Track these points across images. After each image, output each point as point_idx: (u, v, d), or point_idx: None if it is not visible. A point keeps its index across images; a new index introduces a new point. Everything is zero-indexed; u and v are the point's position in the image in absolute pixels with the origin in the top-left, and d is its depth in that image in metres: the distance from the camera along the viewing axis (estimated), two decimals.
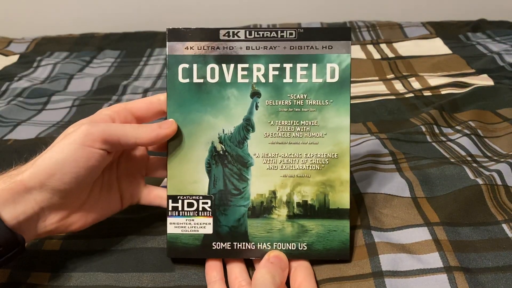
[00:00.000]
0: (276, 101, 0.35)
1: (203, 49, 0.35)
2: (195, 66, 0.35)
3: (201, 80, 0.35)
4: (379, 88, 0.75)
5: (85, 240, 0.41)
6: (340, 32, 0.35)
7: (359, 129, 0.60)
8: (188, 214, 0.35)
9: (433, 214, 0.41)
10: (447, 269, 0.34)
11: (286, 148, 0.35)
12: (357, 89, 0.75)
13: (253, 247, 0.35)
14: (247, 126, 0.35)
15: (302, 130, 0.35)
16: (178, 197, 0.35)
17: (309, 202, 0.36)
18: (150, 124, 0.36)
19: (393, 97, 0.71)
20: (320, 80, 0.35)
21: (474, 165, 0.49)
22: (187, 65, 0.35)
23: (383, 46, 0.96)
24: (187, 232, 0.35)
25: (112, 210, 0.39)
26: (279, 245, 0.35)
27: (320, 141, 0.35)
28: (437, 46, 0.94)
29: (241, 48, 0.35)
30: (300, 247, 0.36)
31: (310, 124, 0.35)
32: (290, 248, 0.36)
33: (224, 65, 0.35)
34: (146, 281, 0.36)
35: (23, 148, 0.58)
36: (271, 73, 0.35)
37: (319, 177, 0.35)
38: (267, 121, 0.35)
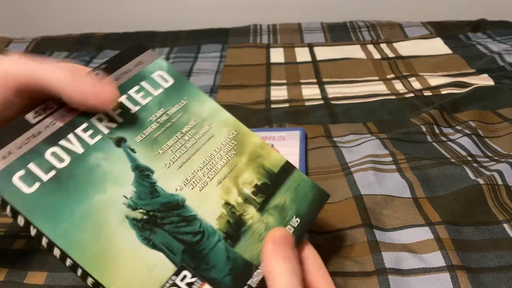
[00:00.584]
0: (143, 132, 0.31)
1: (24, 145, 0.27)
2: (31, 165, 0.26)
3: (53, 172, 0.27)
4: (379, 88, 0.75)
5: None
6: (135, 49, 0.34)
7: (359, 129, 0.60)
8: None
9: (434, 214, 0.40)
10: (449, 268, 0.34)
11: (196, 160, 0.31)
12: (357, 89, 0.75)
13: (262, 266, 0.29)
14: (143, 173, 0.29)
15: (190, 136, 0.32)
16: None
17: (259, 183, 0.32)
18: (93, 80, 0.29)
19: (393, 97, 0.71)
20: (161, 90, 0.33)
21: (475, 165, 0.49)
22: (22, 172, 0.26)
23: (383, 46, 0.96)
24: None
25: None
26: None
27: (212, 132, 0.33)
28: (437, 46, 0.94)
29: (63, 115, 0.29)
30: (295, 224, 0.32)
31: (191, 126, 0.33)
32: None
33: (62, 142, 0.28)
34: None
35: None
36: (114, 113, 0.31)
37: (243, 157, 0.33)
38: (155, 154, 0.30)
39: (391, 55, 0.90)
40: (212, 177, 0.31)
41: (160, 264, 0.26)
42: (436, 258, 0.35)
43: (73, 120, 0.29)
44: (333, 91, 0.75)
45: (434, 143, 0.54)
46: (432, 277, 0.34)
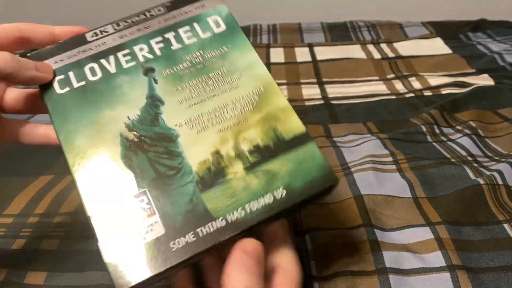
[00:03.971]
0: (174, 67, 0.33)
1: (74, 56, 0.33)
2: (71, 73, 0.33)
3: (83, 83, 0.32)
4: (380, 88, 0.75)
5: (83, 240, 0.41)
6: None
7: (359, 129, 0.60)
8: None
9: (434, 214, 0.40)
10: (449, 268, 0.34)
11: (208, 105, 0.32)
12: (357, 89, 0.75)
13: (223, 223, 0.28)
14: (154, 102, 0.32)
15: (214, 81, 0.33)
16: None
17: (261, 144, 0.31)
18: (26, 60, 0.31)
19: (394, 97, 0.71)
20: (209, 34, 0.34)
21: (475, 165, 0.49)
22: (62, 76, 0.33)
23: (383, 46, 0.96)
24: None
25: None
26: (253, 205, 0.29)
27: (239, 83, 0.33)
28: (437, 46, 0.94)
29: (114, 39, 0.34)
30: (278, 195, 0.29)
31: (220, 73, 0.33)
32: (267, 202, 0.29)
33: (102, 60, 0.33)
34: None
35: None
36: (156, 47, 0.34)
37: (257, 115, 0.32)
38: (174, 89, 0.32)
39: (391, 55, 0.90)
40: (215, 124, 0.31)
41: (126, 183, 0.29)
42: (436, 258, 0.35)
43: (119, 45, 0.34)
44: (333, 91, 0.75)
45: (434, 143, 0.54)
46: (432, 277, 0.34)
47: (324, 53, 0.93)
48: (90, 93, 0.32)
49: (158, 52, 0.34)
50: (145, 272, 0.26)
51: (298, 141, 0.31)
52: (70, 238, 0.41)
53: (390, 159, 0.50)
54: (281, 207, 0.29)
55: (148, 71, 0.33)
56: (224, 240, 0.28)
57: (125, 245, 0.27)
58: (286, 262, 0.29)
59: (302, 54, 0.93)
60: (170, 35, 0.34)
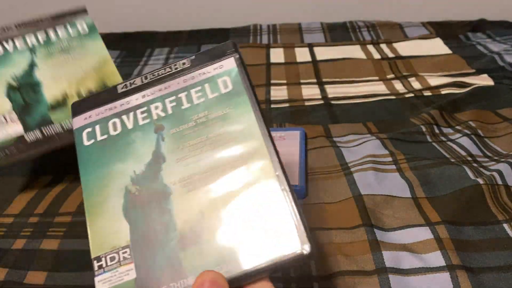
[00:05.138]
0: (180, 126, 0.35)
1: (101, 114, 0.37)
2: (97, 127, 0.37)
3: (105, 136, 0.36)
4: (379, 88, 0.75)
5: (82, 239, 0.41)
6: (225, 48, 0.38)
7: (359, 129, 0.60)
8: (112, 268, 0.32)
9: (434, 214, 0.40)
10: (449, 267, 0.34)
11: (200, 165, 0.33)
12: (357, 89, 0.75)
13: (192, 279, 0.30)
14: (158, 159, 0.35)
15: (211, 142, 0.34)
16: (101, 256, 0.33)
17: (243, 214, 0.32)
18: None
19: (393, 97, 0.71)
20: (217, 94, 0.36)
21: (475, 165, 0.49)
22: (89, 129, 0.37)
23: (383, 46, 0.96)
24: (114, 285, 0.32)
25: None
26: (221, 267, 0.30)
27: (233, 146, 0.34)
28: (437, 46, 0.94)
29: (137, 99, 0.37)
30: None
31: (218, 134, 0.34)
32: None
33: (124, 116, 0.37)
34: None
35: None
36: (169, 105, 0.37)
37: (247, 177, 0.33)
38: (175, 147, 0.35)
39: (391, 55, 0.90)
40: (205, 185, 0.33)
41: (122, 233, 0.32)
42: (436, 258, 0.35)
43: (140, 104, 0.37)
44: (333, 91, 0.75)
45: (434, 143, 0.54)
46: (432, 276, 0.34)
47: (324, 53, 0.93)
48: (109, 146, 0.36)
49: (170, 111, 0.36)
50: None
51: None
52: (70, 238, 0.41)
53: (390, 159, 0.50)
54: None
55: (158, 129, 0.35)
56: None
57: (110, 282, 0.32)
58: None
59: (302, 54, 0.93)
60: (182, 95, 0.37)
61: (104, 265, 0.32)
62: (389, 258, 0.36)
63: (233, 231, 0.31)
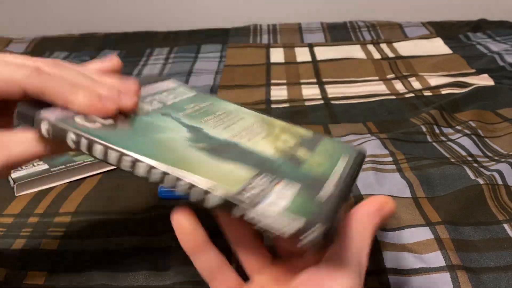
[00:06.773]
0: (181, 113, 0.33)
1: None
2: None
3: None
4: (379, 88, 0.75)
5: (82, 239, 0.41)
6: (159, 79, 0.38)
7: (359, 129, 0.60)
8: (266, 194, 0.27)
9: (434, 214, 0.40)
10: (449, 268, 0.34)
11: (235, 128, 0.32)
12: (357, 89, 0.75)
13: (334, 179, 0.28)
14: (194, 128, 0.31)
15: (223, 116, 0.34)
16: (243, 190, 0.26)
17: (299, 141, 0.33)
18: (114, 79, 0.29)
19: (393, 97, 0.71)
20: (189, 95, 0.37)
21: (475, 165, 0.49)
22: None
23: (383, 46, 0.96)
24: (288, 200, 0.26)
25: None
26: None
27: (240, 116, 0.35)
28: (437, 46, 0.94)
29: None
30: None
31: (222, 113, 0.34)
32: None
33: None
34: (141, 279, 0.36)
35: None
36: (156, 101, 0.34)
37: (276, 128, 0.34)
38: (199, 122, 0.32)
39: (391, 55, 0.90)
40: (255, 136, 0.32)
41: (238, 169, 0.27)
42: (436, 258, 0.35)
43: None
44: (333, 91, 0.75)
45: (434, 143, 0.54)
46: (432, 277, 0.34)
47: (324, 53, 0.93)
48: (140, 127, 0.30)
49: (160, 104, 0.33)
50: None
51: (318, 137, 0.33)
52: (70, 238, 0.41)
53: (390, 159, 0.50)
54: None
55: (166, 115, 0.32)
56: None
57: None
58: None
59: (302, 54, 0.93)
60: (157, 96, 0.34)
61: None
62: (389, 258, 0.36)
63: (314, 150, 0.31)
